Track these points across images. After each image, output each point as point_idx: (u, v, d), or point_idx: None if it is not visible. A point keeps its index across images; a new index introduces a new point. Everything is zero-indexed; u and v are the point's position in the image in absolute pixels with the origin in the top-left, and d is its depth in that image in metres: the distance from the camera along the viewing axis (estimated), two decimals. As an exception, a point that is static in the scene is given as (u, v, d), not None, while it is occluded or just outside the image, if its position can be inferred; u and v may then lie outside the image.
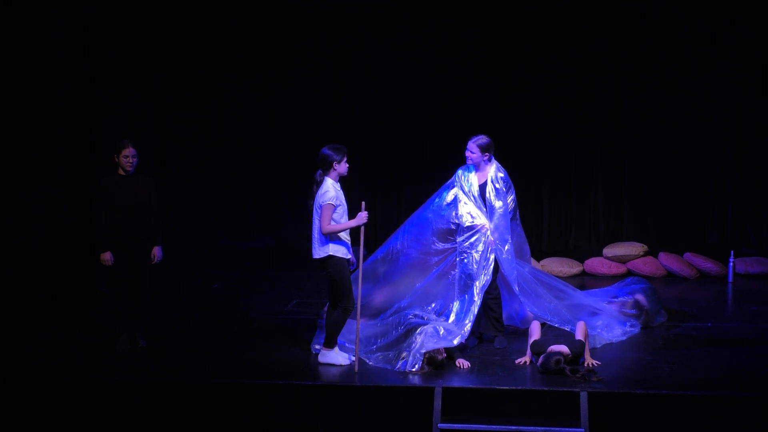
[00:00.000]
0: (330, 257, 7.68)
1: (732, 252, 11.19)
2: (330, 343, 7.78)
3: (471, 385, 7.34)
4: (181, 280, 11.10)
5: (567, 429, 6.99)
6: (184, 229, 12.50)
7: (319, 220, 7.65)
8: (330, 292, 7.83)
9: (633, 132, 12.09)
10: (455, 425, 7.06)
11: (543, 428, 7.01)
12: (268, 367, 7.74)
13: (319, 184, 7.73)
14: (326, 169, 7.71)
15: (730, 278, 11.08)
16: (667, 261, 11.42)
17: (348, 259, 7.77)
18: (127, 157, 8.00)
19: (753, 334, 8.75)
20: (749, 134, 12.03)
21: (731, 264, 11.13)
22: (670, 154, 12.05)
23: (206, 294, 10.42)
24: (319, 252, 7.74)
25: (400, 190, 12.30)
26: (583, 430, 6.96)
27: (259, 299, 10.13)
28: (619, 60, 11.99)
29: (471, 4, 11.90)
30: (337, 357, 7.76)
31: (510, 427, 7.02)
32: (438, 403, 7.11)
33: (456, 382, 7.39)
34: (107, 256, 8.00)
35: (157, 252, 8.19)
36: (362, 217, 7.69)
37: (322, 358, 7.79)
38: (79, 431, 7.29)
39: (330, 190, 7.66)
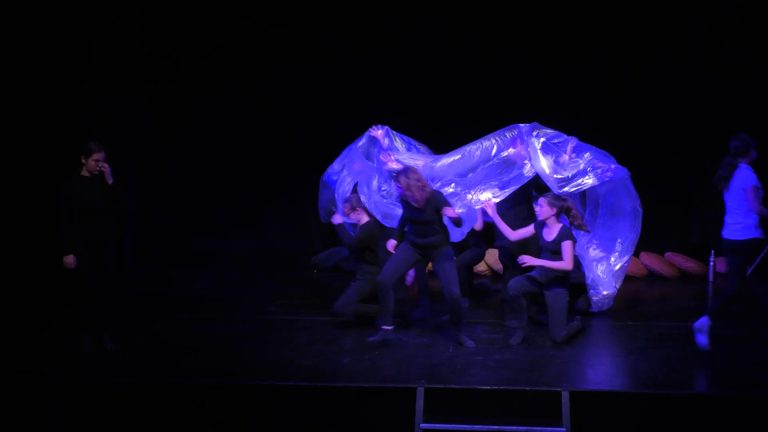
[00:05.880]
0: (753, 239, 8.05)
1: (712, 251, 11.25)
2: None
3: (453, 386, 7.35)
4: (164, 280, 11.10)
5: (549, 428, 7.01)
6: (167, 230, 12.48)
7: (750, 202, 7.93)
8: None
9: (615, 133, 12.13)
10: (437, 425, 7.07)
11: (525, 428, 7.03)
12: (251, 367, 7.73)
13: (734, 167, 8.06)
14: (743, 154, 8.06)
15: (711, 277, 11.15)
16: (649, 261, 11.48)
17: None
18: (98, 161, 7.94)
19: (732, 334, 8.80)
20: (732, 135, 12.10)
21: (711, 263, 11.20)
22: (652, 155, 12.10)
23: (189, 294, 10.41)
24: (741, 233, 8.03)
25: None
26: (564, 429, 6.98)
27: (242, 300, 10.13)
28: (605, 64, 12.04)
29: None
30: None
31: (492, 427, 7.03)
32: (420, 403, 7.12)
33: (438, 383, 7.39)
34: (70, 259, 7.90)
35: None
36: None
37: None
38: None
39: (752, 173, 8.04)
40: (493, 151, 8.88)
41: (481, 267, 11.57)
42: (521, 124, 8.95)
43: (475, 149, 8.92)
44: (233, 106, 12.29)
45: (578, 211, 8.84)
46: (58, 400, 7.28)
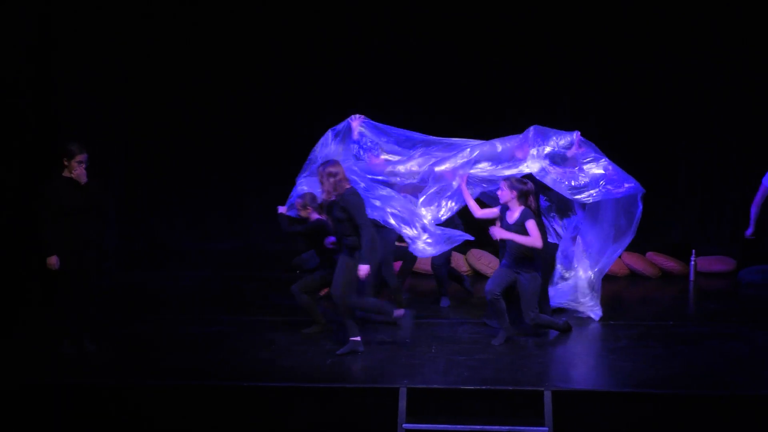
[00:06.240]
0: None
1: (693, 251, 11.30)
2: None
3: (436, 386, 7.36)
4: (148, 281, 11.06)
5: (531, 428, 7.03)
6: (152, 231, 12.45)
7: None
8: None
9: (598, 131, 12.17)
10: (420, 425, 7.07)
11: (508, 427, 7.04)
12: (234, 368, 7.72)
13: None
14: None
15: (692, 277, 11.20)
16: (630, 260, 11.52)
17: None
18: (82, 162, 7.90)
19: (714, 332, 8.84)
20: (713, 138, 12.17)
21: (692, 263, 11.25)
22: (635, 154, 12.13)
23: (173, 295, 10.38)
24: None
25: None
26: (547, 428, 7.00)
27: (226, 300, 10.11)
28: (590, 63, 12.08)
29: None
30: None
31: (475, 427, 7.05)
32: (403, 403, 7.12)
33: (421, 383, 7.40)
34: (53, 260, 7.88)
35: None
36: None
37: None
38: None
39: None
40: (500, 153, 8.99)
41: (463, 267, 11.58)
42: (531, 128, 8.97)
43: (481, 152, 8.97)
44: (219, 106, 12.27)
45: (540, 203, 8.94)
46: (38, 402, 7.25)
